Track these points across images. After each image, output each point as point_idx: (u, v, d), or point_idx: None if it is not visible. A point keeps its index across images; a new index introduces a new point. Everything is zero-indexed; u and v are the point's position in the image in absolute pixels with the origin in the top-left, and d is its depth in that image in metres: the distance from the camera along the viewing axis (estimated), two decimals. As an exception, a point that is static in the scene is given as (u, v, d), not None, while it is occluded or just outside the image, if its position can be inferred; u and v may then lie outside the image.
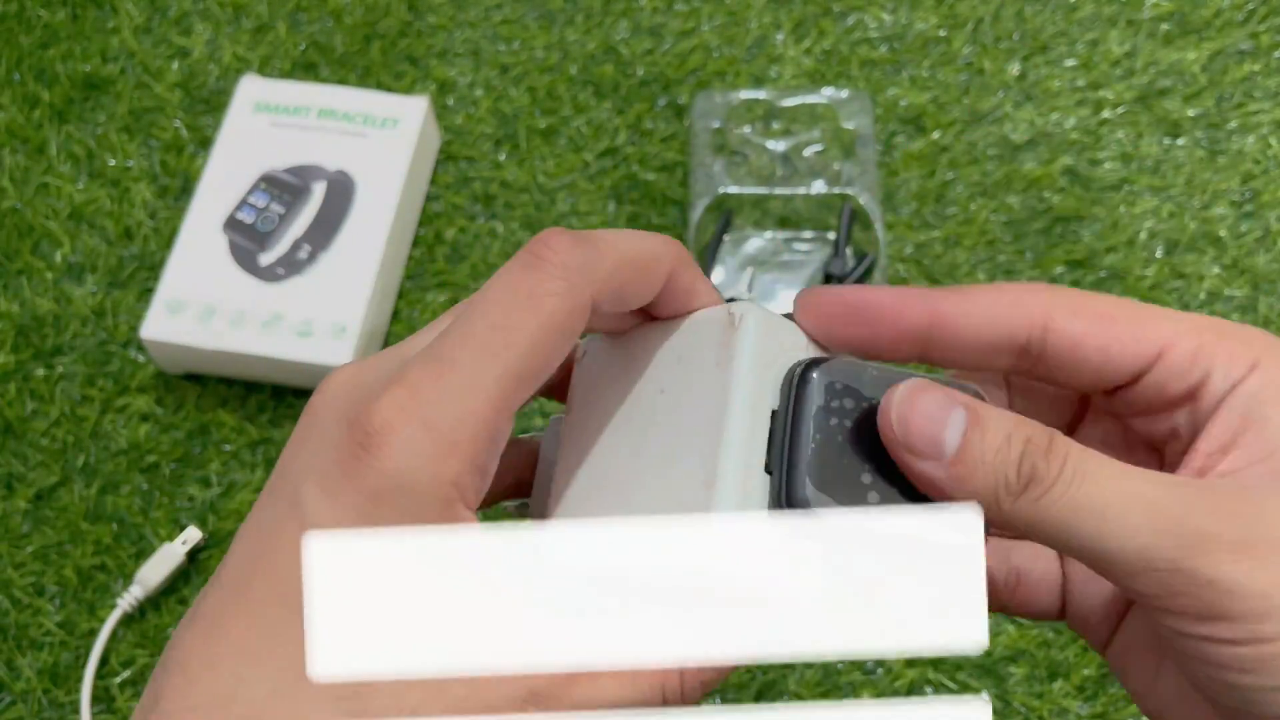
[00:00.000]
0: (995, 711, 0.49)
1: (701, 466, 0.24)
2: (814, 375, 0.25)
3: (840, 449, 0.25)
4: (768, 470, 0.25)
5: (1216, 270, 0.59)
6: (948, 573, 0.24)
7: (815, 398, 0.25)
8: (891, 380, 0.26)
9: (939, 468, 0.24)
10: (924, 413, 0.24)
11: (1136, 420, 0.28)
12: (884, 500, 0.25)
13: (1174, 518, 0.23)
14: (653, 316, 0.28)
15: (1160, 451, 0.29)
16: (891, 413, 0.24)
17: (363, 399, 0.23)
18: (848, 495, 0.24)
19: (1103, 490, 0.23)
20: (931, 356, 0.27)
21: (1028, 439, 0.23)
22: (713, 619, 0.24)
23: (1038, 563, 0.30)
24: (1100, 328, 0.26)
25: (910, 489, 0.25)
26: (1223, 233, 0.60)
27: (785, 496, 0.24)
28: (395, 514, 0.22)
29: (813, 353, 0.27)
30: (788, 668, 0.50)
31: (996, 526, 0.25)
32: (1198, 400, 0.26)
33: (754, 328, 0.25)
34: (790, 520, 0.25)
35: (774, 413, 0.25)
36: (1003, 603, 0.30)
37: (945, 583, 0.24)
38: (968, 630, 0.24)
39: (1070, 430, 0.30)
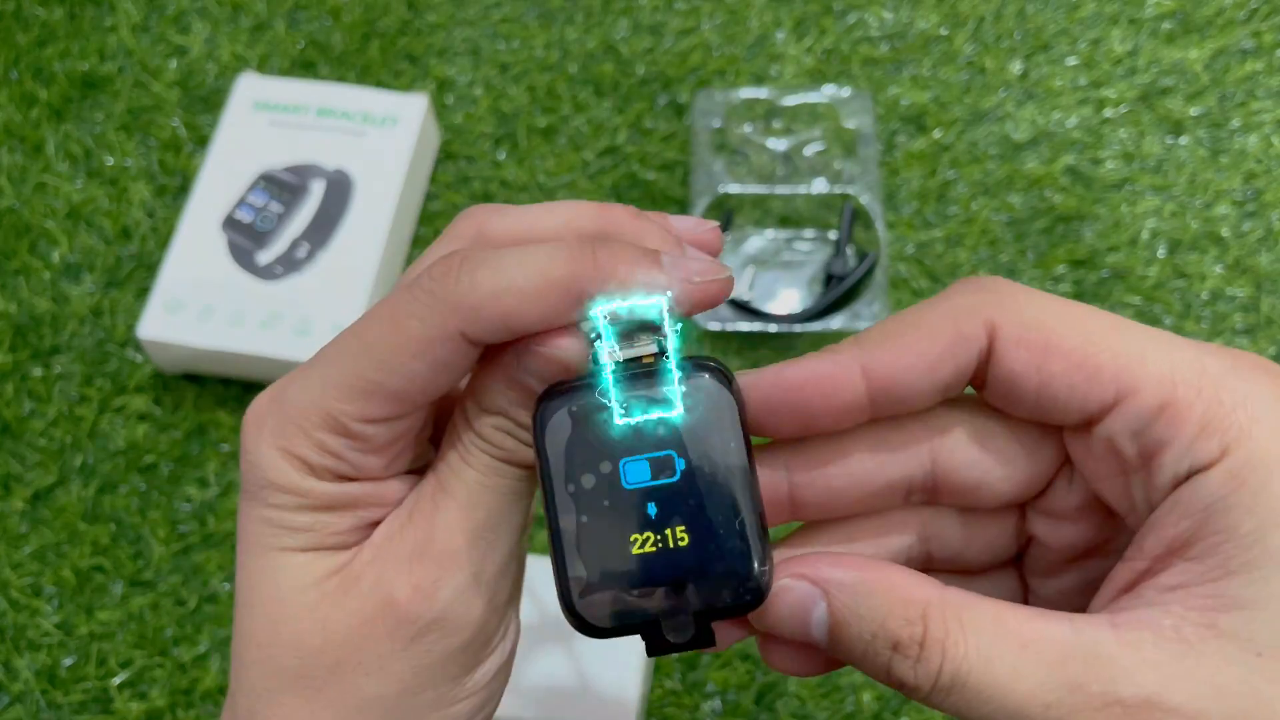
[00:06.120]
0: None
1: None
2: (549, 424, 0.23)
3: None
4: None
5: (1219, 270, 0.59)
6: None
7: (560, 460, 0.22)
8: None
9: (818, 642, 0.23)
10: (782, 616, 0.23)
11: (1102, 482, 0.23)
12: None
13: None
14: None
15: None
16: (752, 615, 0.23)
17: None
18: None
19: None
20: (880, 415, 0.24)
21: (894, 645, 0.21)
22: None
23: None
24: (1043, 361, 0.22)
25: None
26: (1225, 232, 0.60)
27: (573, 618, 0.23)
28: (247, 486, 0.24)
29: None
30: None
31: None
32: (1151, 474, 0.21)
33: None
34: None
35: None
36: None
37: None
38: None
39: (1060, 472, 0.24)
